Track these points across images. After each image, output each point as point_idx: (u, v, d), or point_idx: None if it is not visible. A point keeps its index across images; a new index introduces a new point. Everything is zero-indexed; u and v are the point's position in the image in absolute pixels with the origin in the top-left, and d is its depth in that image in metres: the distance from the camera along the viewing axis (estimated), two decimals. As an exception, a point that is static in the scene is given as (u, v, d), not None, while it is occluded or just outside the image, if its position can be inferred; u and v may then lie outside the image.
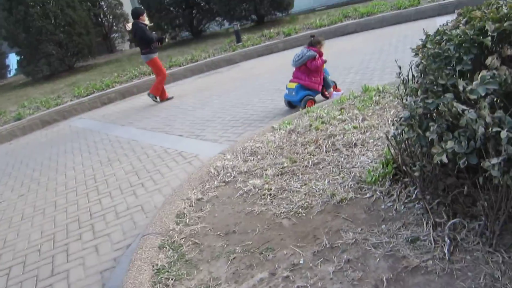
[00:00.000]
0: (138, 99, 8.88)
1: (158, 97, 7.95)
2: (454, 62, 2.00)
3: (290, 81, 5.44)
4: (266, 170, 3.15)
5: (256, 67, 9.51)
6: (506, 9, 2.06)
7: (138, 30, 7.66)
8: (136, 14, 7.78)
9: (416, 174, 2.07)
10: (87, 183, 4.62)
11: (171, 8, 14.60)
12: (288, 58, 9.40)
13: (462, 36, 2.00)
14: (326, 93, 5.52)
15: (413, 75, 2.47)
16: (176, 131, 5.86)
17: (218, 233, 2.51)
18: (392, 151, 2.52)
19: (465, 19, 2.23)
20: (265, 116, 5.53)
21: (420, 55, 2.14)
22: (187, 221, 2.71)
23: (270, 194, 2.78)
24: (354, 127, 3.46)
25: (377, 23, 10.56)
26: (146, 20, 8.08)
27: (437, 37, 2.29)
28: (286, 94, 5.51)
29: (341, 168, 2.90)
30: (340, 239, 2.16)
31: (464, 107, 1.80)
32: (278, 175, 3.03)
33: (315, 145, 3.35)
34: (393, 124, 2.29)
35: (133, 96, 9.30)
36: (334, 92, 5.60)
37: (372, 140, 3.19)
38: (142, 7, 8.65)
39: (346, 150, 3.15)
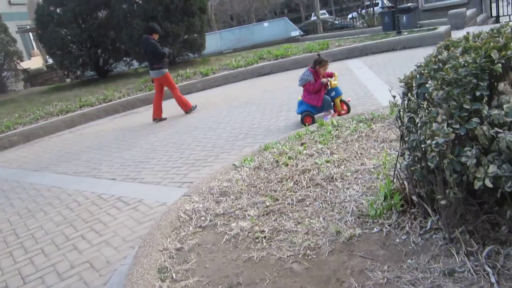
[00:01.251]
0: (47, 142, 7.91)
1: (194, 106, 8.13)
2: (470, 88, 2.01)
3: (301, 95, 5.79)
4: (247, 210, 2.86)
5: (176, 106, 9.19)
6: (503, 39, 2.17)
7: (149, 46, 7.63)
8: (149, 29, 7.83)
9: (443, 202, 2.00)
10: (6, 239, 3.82)
11: (74, 47, 13.69)
12: (210, 98, 9.32)
13: (473, 63, 2.04)
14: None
15: (406, 105, 2.47)
16: (106, 174, 5.25)
17: (220, 287, 2.15)
18: (397, 181, 2.44)
19: (460, 49, 2.30)
20: (207, 155, 5.24)
21: (433, 82, 2.12)
22: (173, 276, 2.29)
23: (265, 237, 2.50)
24: (327, 161, 3.37)
25: (292, 65, 11.04)
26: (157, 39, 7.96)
27: (434, 67, 2.32)
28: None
29: (331, 203, 2.75)
30: (369, 279, 1.97)
31: (500, 130, 1.80)
32: (263, 215, 2.77)
33: (292, 181, 3.17)
34: (402, 155, 2.22)
35: (41, 139, 8.26)
36: (325, 117, 5.55)
37: (349, 174, 3.11)
38: (158, 27, 8.16)
39: (327, 184, 3.02)
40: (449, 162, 1.89)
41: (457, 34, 11.04)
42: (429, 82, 2.18)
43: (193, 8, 12.72)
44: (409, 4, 13.84)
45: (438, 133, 1.92)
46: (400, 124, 2.44)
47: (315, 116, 5.61)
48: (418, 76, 2.40)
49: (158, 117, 7.92)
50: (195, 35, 13.06)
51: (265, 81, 10.06)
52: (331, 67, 9.86)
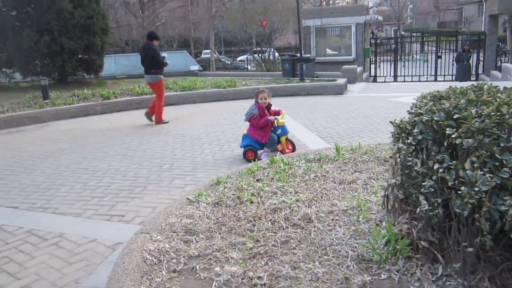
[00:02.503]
0: None
1: (166, 121, 8.36)
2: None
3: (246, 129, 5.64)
4: (227, 253, 2.51)
5: (74, 128, 8.21)
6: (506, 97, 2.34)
7: (151, 51, 8.02)
8: (152, 36, 8.28)
9: (470, 250, 1.98)
10: None
11: None
12: (115, 123, 8.55)
13: (495, 115, 2.12)
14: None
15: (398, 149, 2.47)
16: (4, 201, 4.29)
17: None
18: (399, 226, 2.38)
19: (463, 101, 2.41)
20: (131, 185, 4.67)
21: (461, 130, 2.13)
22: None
23: (264, 285, 2.19)
24: (297, 200, 3.20)
25: (199, 98, 10.85)
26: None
27: (442, 115, 2.38)
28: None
29: (320, 246, 2.57)
30: (404, 333, 1.81)
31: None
32: (250, 258, 2.45)
33: (266, 220, 2.92)
34: (426, 199, 2.17)
35: None
36: (263, 154, 5.46)
37: (323, 214, 2.99)
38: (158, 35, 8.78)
39: (306, 225, 2.84)
40: (487, 210, 1.89)
41: (352, 87, 12.17)
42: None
43: (95, 27, 11.83)
44: (309, 55, 14.92)
45: (474, 181, 1.93)
46: (398, 167, 2.43)
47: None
48: (420, 122, 2.44)
49: (158, 120, 8.35)
50: (94, 56, 12.08)
51: (173, 111, 9.65)
52: (240, 104, 10.01)
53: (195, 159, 5.67)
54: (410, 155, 2.43)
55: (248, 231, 2.78)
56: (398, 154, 2.60)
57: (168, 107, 10.36)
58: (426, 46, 30.76)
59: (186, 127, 7.84)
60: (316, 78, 13.05)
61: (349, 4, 21.95)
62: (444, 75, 19.20)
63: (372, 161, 4.15)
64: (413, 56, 24.77)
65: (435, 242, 2.23)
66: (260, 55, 23.51)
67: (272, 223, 2.88)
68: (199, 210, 3.14)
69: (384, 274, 2.24)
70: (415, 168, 2.29)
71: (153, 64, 8.04)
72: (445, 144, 2.21)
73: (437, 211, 2.12)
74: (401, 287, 2.15)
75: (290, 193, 3.39)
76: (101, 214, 3.96)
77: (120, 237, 3.46)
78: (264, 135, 5.40)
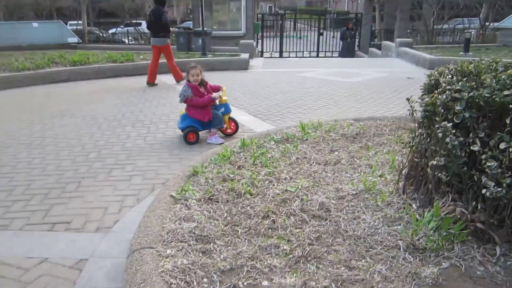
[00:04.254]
0: None
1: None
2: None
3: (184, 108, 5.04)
4: (263, 260, 2.10)
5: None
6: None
7: (161, 14, 8.27)
8: (161, 0, 8.48)
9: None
10: None
11: None
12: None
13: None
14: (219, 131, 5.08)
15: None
16: None
17: None
18: (448, 208, 2.24)
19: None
20: (60, 182, 3.81)
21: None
22: None
23: (336, 295, 1.85)
24: (299, 188, 2.87)
25: (93, 74, 9.58)
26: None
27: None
28: (178, 120, 5.14)
29: (358, 238, 2.31)
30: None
31: None
32: (296, 264, 2.08)
33: (284, 215, 2.54)
34: (489, 178, 2.04)
35: None
36: (213, 137, 4.91)
37: (335, 201, 2.73)
38: None
39: (327, 215, 2.56)
40: None
41: (253, 63, 12.02)
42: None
43: None
44: (206, 29, 14.26)
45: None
46: (432, 147, 2.28)
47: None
48: (462, 99, 2.31)
49: (151, 81, 8.54)
50: None
51: (67, 90, 8.32)
52: (140, 82, 9.08)
53: (125, 145, 4.89)
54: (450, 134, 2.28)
55: (271, 230, 2.38)
56: (431, 134, 2.45)
57: (58, 84, 8.95)
58: (298, 24, 32.27)
59: (93, 107, 6.78)
60: (217, 53, 12.57)
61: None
62: (325, 51, 20.38)
63: (340, 138, 4.01)
64: (291, 33, 25.66)
65: (494, 222, 2.14)
66: (136, 28, 21.89)
67: (289, 217, 2.52)
68: (194, 210, 2.61)
69: (444, 262, 2.09)
70: (473, 148, 2.15)
71: (162, 27, 8.36)
72: (508, 121, 2.10)
73: (504, 191, 2.02)
74: (468, 273, 2.01)
75: (285, 179, 3.05)
76: (37, 223, 3.10)
77: (81, 251, 2.73)
78: (206, 114, 4.87)
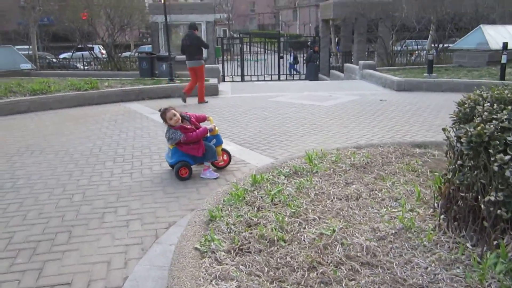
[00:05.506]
0: None
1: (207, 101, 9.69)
2: None
3: None
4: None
5: None
6: None
7: (196, 39, 9.65)
8: (194, 26, 9.86)
9: None
10: None
11: None
12: None
13: None
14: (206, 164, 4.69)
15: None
16: None
17: None
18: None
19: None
20: (47, 232, 3.36)
21: None
22: None
23: None
24: (334, 230, 2.63)
25: (56, 103, 8.98)
26: None
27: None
28: (166, 153, 4.80)
29: (422, 287, 2.10)
30: None
31: None
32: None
33: (329, 264, 2.28)
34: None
35: None
36: (207, 171, 4.60)
37: (376, 243, 2.52)
38: None
39: (375, 261, 2.33)
40: None
41: (221, 87, 11.81)
42: None
43: None
44: (168, 54, 13.91)
45: None
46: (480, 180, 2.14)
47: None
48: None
49: (202, 100, 9.60)
50: None
51: (31, 121, 7.69)
52: (108, 111, 8.59)
53: (111, 184, 4.47)
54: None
55: (323, 285, 2.12)
56: (478, 166, 2.31)
57: (18, 115, 8.27)
58: (252, 47, 32.63)
59: (63, 140, 6.25)
60: (184, 79, 12.25)
61: (197, 1, 21.53)
62: (286, 74, 20.60)
63: (350, 169, 3.84)
64: (247, 56, 25.73)
65: None
66: (91, 52, 21.13)
67: (337, 266, 2.27)
68: (227, 264, 2.29)
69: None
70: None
71: (198, 50, 9.53)
72: None
73: None
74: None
75: (314, 220, 2.81)
76: (31, 287, 2.65)
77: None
78: (199, 147, 4.56)
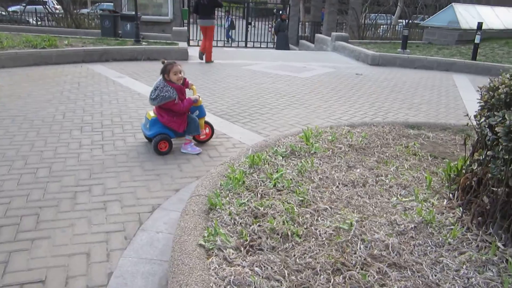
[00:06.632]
0: None
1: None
2: None
3: (153, 110, 4.21)
4: None
5: None
6: None
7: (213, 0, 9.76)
8: None
9: None
10: None
11: None
12: None
13: None
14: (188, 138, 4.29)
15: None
16: None
17: None
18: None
19: None
20: (7, 215, 2.89)
21: None
22: None
23: None
24: (350, 225, 2.37)
25: (9, 61, 8.10)
26: None
27: None
28: (143, 123, 4.40)
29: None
30: None
31: None
32: None
33: (352, 264, 2.03)
34: None
35: None
36: (189, 145, 4.21)
37: (396, 239, 2.29)
38: None
39: (402, 261, 2.10)
40: None
41: (190, 52, 11.16)
42: None
43: None
44: (134, 13, 12.95)
45: None
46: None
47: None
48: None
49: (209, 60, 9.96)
50: None
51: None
52: (69, 72, 7.84)
53: (81, 157, 3.98)
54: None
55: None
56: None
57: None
58: (218, 12, 31.50)
59: (21, 104, 5.59)
60: (151, 41, 11.48)
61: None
62: (254, 41, 20.00)
63: (350, 151, 3.59)
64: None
65: None
66: (45, 6, 19.46)
67: (363, 269, 2.02)
68: (238, 265, 1.99)
69: None
70: None
71: (212, 10, 9.86)
72: None
73: None
74: None
75: (326, 211, 2.54)
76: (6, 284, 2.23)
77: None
78: (181, 123, 4.14)
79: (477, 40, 10.15)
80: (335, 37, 13.38)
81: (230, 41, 21.18)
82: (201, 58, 10.04)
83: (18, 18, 19.50)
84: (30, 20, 19.59)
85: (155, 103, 4.02)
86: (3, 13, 20.86)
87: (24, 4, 22.84)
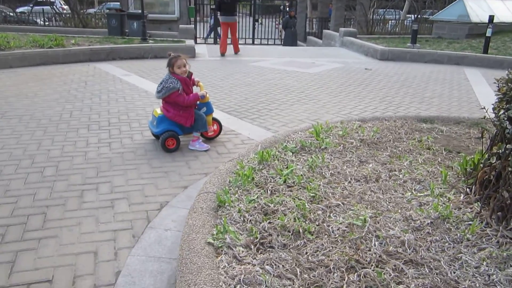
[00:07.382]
0: None
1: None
2: None
3: (160, 107, 4.18)
4: None
5: None
6: None
7: None
8: None
9: None
10: None
11: None
12: None
13: None
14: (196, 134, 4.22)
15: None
16: None
17: None
18: None
19: None
20: (14, 214, 2.86)
21: None
22: None
23: None
24: (363, 221, 2.29)
25: (17, 61, 8.10)
26: None
27: None
28: (150, 121, 4.34)
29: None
30: None
31: None
32: None
33: (368, 263, 1.95)
34: None
35: None
36: (197, 142, 4.15)
37: (412, 236, 2.21)
38: None
39: (419, 258, 2.02)
40: None
41: (197, 49, 11.11)
42: None
43: None
44: (141, 11, 12.93)
45: None
46: None
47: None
48: None
49: (224, 52, 10.49)
50: None
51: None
52: (75, 71, 7.83)
53: (88, 155, 3.94)
54: None
55: (369, 290, 1.78)
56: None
57: (-28, 74, 7.37)
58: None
59: (28, 103, 5.57)
60: (158, 39, 11.45)
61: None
62: (261, 38, 19.89)
63: (361, 145, 3.51)
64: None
65: None
66: (52, 6, 19.54)
67: (378, 266, 1.94)
68: (248, 264, 1.92)
69: None
70: None
71: (235, 7, 10.42)
72: None
73: None
74: None
75: (338, 207, 2.46)
76: (1, 286, 2.19)
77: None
78: (188, 116, 4.09)
79: (488, 33, 9.96)
80: (343, 32, 13.24)
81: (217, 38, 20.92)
82: (223, 55, 10.56)
83: (26, 19, 19.62)
84: (38, 20, 19.70)
85: (160, 96, 3.98)
86: (11, 14, 21.01)
87: (31, 5, 23.00)
